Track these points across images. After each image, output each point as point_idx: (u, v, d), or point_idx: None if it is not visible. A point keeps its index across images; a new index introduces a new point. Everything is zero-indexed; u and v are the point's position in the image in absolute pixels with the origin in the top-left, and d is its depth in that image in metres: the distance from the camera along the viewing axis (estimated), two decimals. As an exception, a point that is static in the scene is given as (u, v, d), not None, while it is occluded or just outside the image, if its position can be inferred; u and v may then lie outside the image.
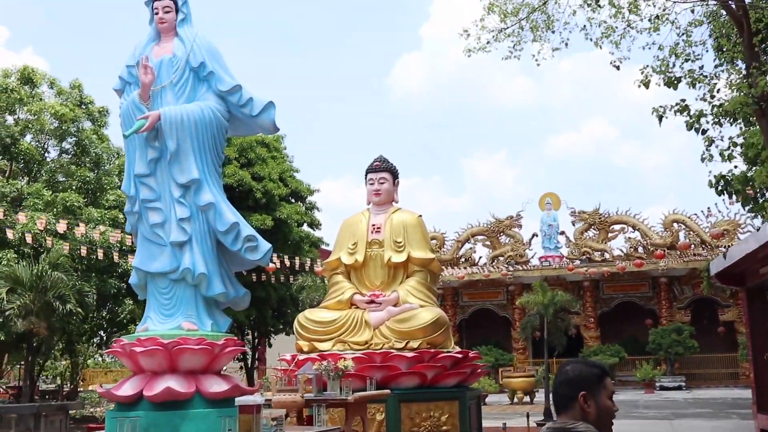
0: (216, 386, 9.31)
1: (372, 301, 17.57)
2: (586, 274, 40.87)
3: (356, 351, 16.53)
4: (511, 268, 43.22)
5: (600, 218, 43.77)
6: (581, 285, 42.86)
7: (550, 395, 3.33)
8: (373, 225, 18.27)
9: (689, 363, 39.73)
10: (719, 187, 13.53)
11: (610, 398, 2.90)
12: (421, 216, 18.63)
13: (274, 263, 29.80)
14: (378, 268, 18.01)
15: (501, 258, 45.17)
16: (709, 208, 36.92)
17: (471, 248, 46.81)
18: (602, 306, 43.43)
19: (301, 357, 16.23)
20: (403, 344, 16.58)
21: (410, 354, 16.27)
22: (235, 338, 9.95)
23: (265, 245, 10.28)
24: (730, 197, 13.99)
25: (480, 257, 46.36)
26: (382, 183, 18.48)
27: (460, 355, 16.87)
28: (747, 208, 22.15)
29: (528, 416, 15.34)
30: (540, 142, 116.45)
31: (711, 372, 40.25)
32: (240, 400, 9.19)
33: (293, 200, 34.11)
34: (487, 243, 46.39)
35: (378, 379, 15.92)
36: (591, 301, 42.78)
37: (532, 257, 45.06)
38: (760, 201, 18.66)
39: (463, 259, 46.24)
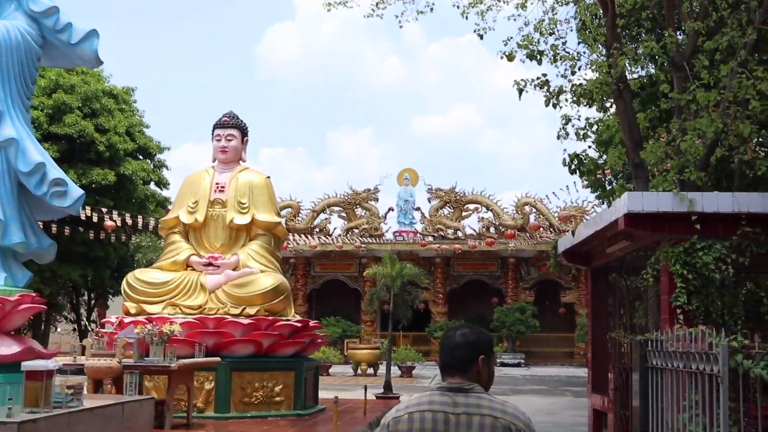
0: (4, 348, 8.05)
1: (210, 264, 16.45)
2: (438, 250, 41.10)
3: (188, 315, 15.40)
4: (365, 241, 42.89)
5: (456, 197, 44.11)
6: (433, 261, 43.12)
7: (444, 360, 3.03)
8: (217, 184, 17.10)
9: (530, 341, 40.85)
10: (572, 166, 13.37)
11: (494, 364, 2.97)
12: (269, 177, 17.61)
13: (114, 221, 27.95)
14: (219, 229, 16.88)
15: (356, 230, 44.78)
16: (562, 188, 37.67)
17: (326, 219, 46.16)
18: (452, 283, 43.92)
19: (127, 320, 14.95)
20: (239, 310, 15.59)
21: (246, 321, 15.31)
22: (34, 294, 8.64)
23: (77, 191, 8.99)
24: (582, 177, 13.85)
25: (335, 228, 45.83)
26: (230, 140, 17.31)
27: (299, 324, 16.07)
28: (595, 195, 22.46)
29: (366, 388, 14.77)
30: (406, 123, 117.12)
31: (549, 351, 41.58)
32: (28, 365, 7.97)
33: (141, 156, 32.12)
34: (343, 214, 45.87)
35: (210, 346, 14.88)
36: (441, 278, 43.15)
37: (387, 231, 44.96)
38: (608, 188, 18.83)
39: (317, 229, 45.52)
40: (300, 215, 45.74)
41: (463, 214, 44.26)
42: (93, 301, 35.72)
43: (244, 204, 16.86)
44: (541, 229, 40.88)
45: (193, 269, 16.41)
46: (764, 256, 8.48)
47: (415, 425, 2.75)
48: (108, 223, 28.32)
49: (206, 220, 16.80)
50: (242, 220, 16.77)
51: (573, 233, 11.07)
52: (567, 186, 43.66)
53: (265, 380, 15.21)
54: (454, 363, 2.86)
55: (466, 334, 2.91)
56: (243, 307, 15.57)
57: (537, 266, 42.55)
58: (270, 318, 15.58)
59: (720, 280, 8.10)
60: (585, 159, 13.73)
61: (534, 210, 42.57)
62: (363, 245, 42.11)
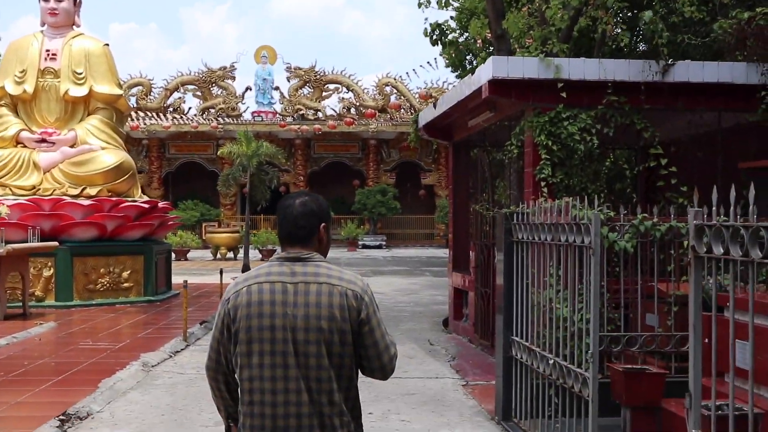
0: None
1: (43, 140, 14.98)
2: (298, 131, 40.07)
3: (20, 197, 14.05)
4: (222, 121, 41.19)
5: (316, 76, 42.78)
6: (293, 143, 42.11)
7: (287, 231, 2.83)
8: (48, 51, 15.40)
9: (391, 223, 41.09)
10: (434, 36, 12.70)
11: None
12: (107, 45, 16.03)
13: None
14: (53, 101, 15.33)
15: (212, 110, 42.86)
16: (423, 65, 36.96)
17: (180, 98, 43.82)
18: (313, 165, 43.18)
19: (-51, 202, 13.43)
20: (78, 191, 14.36)
21: (87, 202, 14.13)
22: None
23: None
24: (443, 48, 13.25)
25: (190, 108, 43.68)
26: (60, 1, 15.52)
27: (146, 206, 15.03)
28: (455, 74, 22.05)
29: (222, 272, 14.07)
30: (265, 2, 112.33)
31: (410, 232, 42.05)
32: None
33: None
34: (198, 94, 43.69)
35: (47, 230, 13.67)
36: (302, 160, 42.30)
37: (245, 111, 43.28)
38: (468, 67, 18.37)
39: (171, 109, 43.28)
40: (152, 94, 43.23)
41: (324, 94, 43.11)
42: None
43: (80, 74, 15.34)
44: (402, 109, 40.54)
45: (25, 146, 14.92)
46: (627, 128, 8.24)
47: (253, 297, 2.67)
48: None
49: (37, 92, 15.22)
50: (78, 91, 15.28)
51: (434, 105, 10.50)
52: (428, 62, 43.04)
53: (111, 265, 14.24)
54: (298, 233, 2.78)
55: (307, 202, 2.83)
56: (83, 187, 14.37)
57: (398, 148, 42.35)
58: (114, 199, 14.48)
59: (584, 152, 7.81)
60: (447, 29, 13.10)
61: (395, 91, 42.02)
62: (220, 126, 40.43)
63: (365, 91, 42.32)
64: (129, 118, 40.63)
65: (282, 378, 2.62)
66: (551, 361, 5.35)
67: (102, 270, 14.06)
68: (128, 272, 14.37)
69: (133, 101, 42.30)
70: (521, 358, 6.04)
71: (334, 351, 2.63)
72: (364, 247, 37.62)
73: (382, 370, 2.73)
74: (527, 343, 5.91)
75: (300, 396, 2.61)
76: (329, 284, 2.67)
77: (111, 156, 14.69)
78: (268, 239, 31.11)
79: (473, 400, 7.22)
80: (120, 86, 15.96)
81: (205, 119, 41.49)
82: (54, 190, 14.22)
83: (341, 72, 42.94)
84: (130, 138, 42.00)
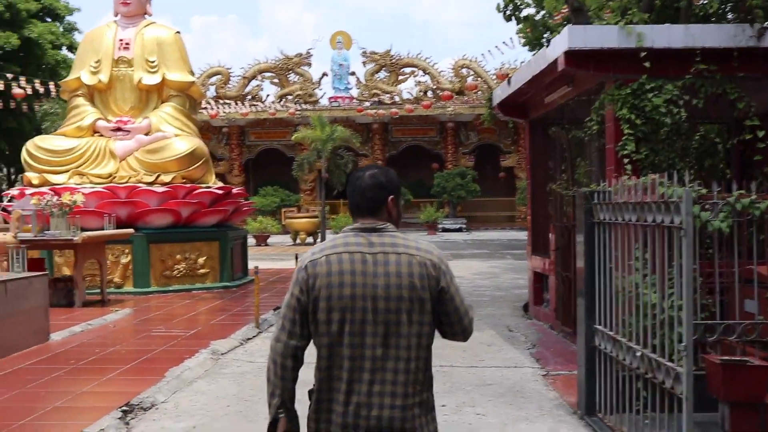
0: None
1: (119, 129, 15.08)
2: (375, 116, 39.81)
3: (96, 185, 14.18)
4: (299, 108, 41.29)
5: (391, 60, 42.43)
6: (370, 127, 41.90)
7: (356, 202, 2.88)
8: (121, 40, 15.48)
9: (470, 206, 40.48)
10: (507, 12, 12.17)
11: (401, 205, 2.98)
12: (179, 32, 16.01)
13: (23, 88, 25.91)
14: (127, 91, 15.41)
15: (289, 97, 43.02)
16: (499, 46, 36.01)
17: (258, 85, 44.15)
18: (390, 149, 42.88)
19: (29, 191, 13.66)
20: (153, 178, 14.39)
21: (161, 189, 14.15)
22: None
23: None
24: (518, 23, 12.68)
25: (267, 95, 43.96)
26: (132, -10, 15.56)
27: (221, 192, 14.99)
28: (532, 54, 21.31)
29: (297, 257, 13.88)
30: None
31: (490, 215, 41.35)
32: None
33: (47, 18, 29.62)
34: (276, 81, 43.90)
35: (123, 218, 13.76)
36: (380, 144, 42.05)
37: (322, 97, 43.28)
38: (545, 45, 17.65)
39: (249, 97, 43.63)
40: (230, 82, 43.66)
41: (400, 78, 42.73)
42: (13, 176, 33.92)
43: (152, 62, 15.37)
44: (479, 91, 39.78)
45: (101, 135, 15.06)
46: (718, 99, 7.60)
47: (333, 267, 2.71)
48: (16, 90, 26.29)
49: (111, 81, 15.32)
50: (152, 80, 15.32)
51: (509, 81, 9.99)
52: (504, 42, 42.06)
53: (187, 252, 14.25)
54: (366, 204, 2.85)
55: (376, 175, 2.89)
56: (157, 174, 14.39)
57: (476, 130, 41.65)
58: (188, 186, 14.47)
59: (671, 126, 7.22)
60: (521, 4, 12.52)
61: (471, 72, 41.30)
62: (297, 112, 40.52)
63: (441, 74, 41.74)
64: (209, 106, 41.32)
65: (359, 345, 2.68)
66: (638, 353, 4.88)
67: (178, 256, 14.08)
68: (204, 258, 14.35)
69: (212, 90, 42.90)
70: (605, 348, 5.57)
71: (414, 319, 2.69)
72: (444, 230, 37.17)
73: (464, 332, 2.85)
74: (612, 333, 5.44)
75: (384, 362, 2.67)
76: (408, 254, 2.73)
77: (184, 143, 14.67)
78: (347, 223, 30.90)
79: (554, 392, 6.77)
80: (192, 73, 15.93)
81: (282, 106, 41.63)
82: (129, 178, 14.29)
83: (417, 55, 42.46)
84: (210, 126, 42.68)
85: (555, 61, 7.66)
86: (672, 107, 7.17)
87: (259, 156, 43.48)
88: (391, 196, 2.86)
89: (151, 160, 14.44)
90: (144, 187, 14.05)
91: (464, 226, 38.04)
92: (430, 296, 2.72)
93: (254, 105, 42.05)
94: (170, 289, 13.86)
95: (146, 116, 15.21)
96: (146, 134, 14.93)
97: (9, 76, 25.88)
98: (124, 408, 6.02)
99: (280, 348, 2.78)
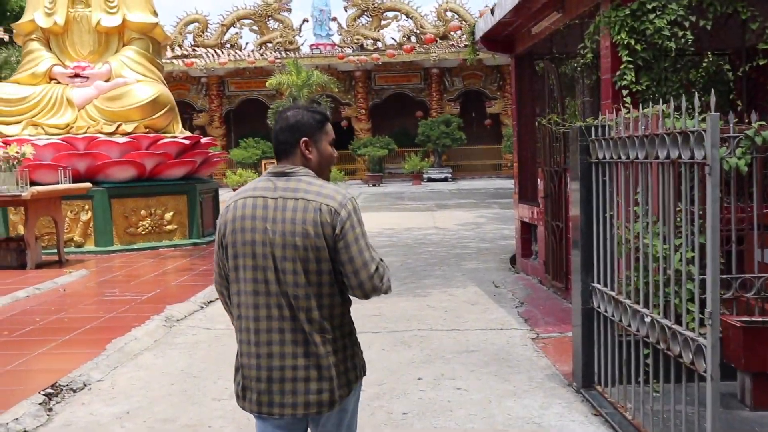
0: None
1: (77, 75, 14.01)
2: (357, 62, 38.59)
3: (53, 136, 13.19)
4: (279, 55, 39.97)
5: (373, 4, 41.00)
6: (353, 75, 40.70)
7: (274, 146, 2.78)
8: (78, -22, 14.33)
9: (456, 155, 39.60)
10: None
11: (331, 145, 2.83)
12: (141, -30, 14.87)
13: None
14: (85, 33, 14.32)
15: (269, 44, 41.65)
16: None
17: (237, 33, 42.69)
18: (374, 97, 41.74)
19: (-22, 145, 12.65)
20: (113, 128, 13.42)
21: (123, 139, 13.18)
22: None
23: None
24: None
25: (247, 44, 42.57)
26: None
27: (187, 142, 14.03)
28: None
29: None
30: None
31: (476, 164, 40.49)
32: None
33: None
34: (255, 28, 42.47)
35: (82, 171, 12.82)
36: (363, 92, 40.90)
37: (303, 44, 41.92)
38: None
39: (228, 45, 42.22)
40: (208, 30, 42.20)
41: (383, 23, 41.39)
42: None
43: (112, 2, 14.26)
44: (464, 34, 38.51)
45: (58, 82, 14.02)
46: (728, 21, 6.71)
47: (237, 212, 2.68)
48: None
49: (68, 23, 14.22)
50: (111, 21, 14.23)
51: (492, 11, 9.02)
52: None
53: (152, 207, 13.35)
54: (279, 147, 2.78)
55: (289, 116, 2.78)
56: (118, 124, 13.41)
57: (461, 76, 40.60)
58: (152, 136, 13.50)
59: (676, 51, 6.34)
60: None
61: (456, 16, 40.00)
62: (278, 60, 39.21)
63: (425, 17, 40.42)
64: (185, 56, 39.98)
65: (264, 293, 2.63)
66: (647, 319, 4.06)
67: (143, 212, 13.18)
68: (171, 214, 13.46)
69: (189, 39, 41.52)
70: (605, 311, 4.76)
71: (310, 268, 2.61)
72: (429, 180, 36.30)
73: (361, 287, 2.64)
74: (613, 293, 4.63)
75: (281, 311, 2.62)
76: (305, 199, 2.63)
77: (147, 89, 13.65)
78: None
79: (545, 358, 5.98)
80: (156, 14, 14.82)
81: (262, 54, 40.33)
82: (88, 128, 13.31)
83: (400, -1, 41.07)
84: (188, 77, 41.42)
85: (544, -19, 6.72)
86: (677, 30, 6.26)
87: (240, 107, 42.34)
88: (304, 138, 2.72)
89: (111, 109, 13.44)
90: (104, 137, 13.08)
91: (450, 175, 37.18)
92: (326, 244, 2.60)
93: (233, 53, 40.75)
94: (134, 247, 12.99)
95: (106, 61, 14.16)
96: (107, 80, 13.90)
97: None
98: (49, 390, 5.18)
99: (217, 288, 2.83)
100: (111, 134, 13.22)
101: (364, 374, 2.84)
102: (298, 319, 2.60)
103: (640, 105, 5.83)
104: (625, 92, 6.32)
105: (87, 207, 12.80)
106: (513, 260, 11.51)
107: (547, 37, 8.63)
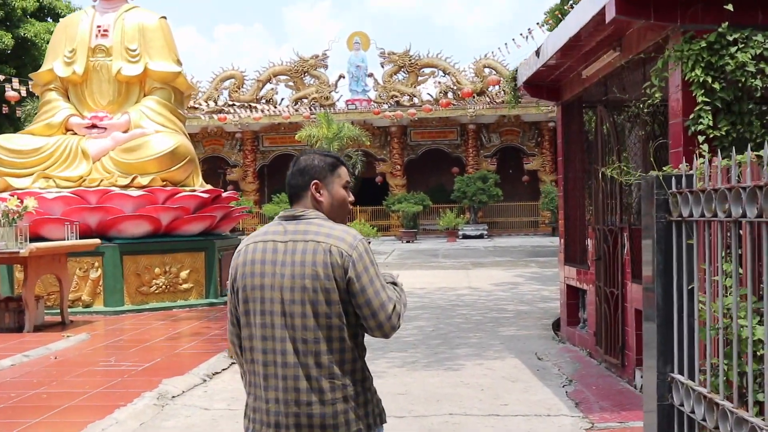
0: None
1: (94, 126, 13.33)
2: (392, 118, 37.99)
3: (63, 189, 12.46)
4: (315, 112, 39.54)
5: (410, 60, 40.62)
6: (388, 131, 40.13)
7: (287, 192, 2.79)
8: (99, 26, 13.76)
9: (492, 211, 38.59)
10: None
11: (344, 188, 2.82)
12: (165, 18, 14.29)
13: (17, 90, 24.42)
14: (104, 83, 13.69)
15: (305, 100, 41.35)
16: (523, 33, 33.54)
17: (273, 89, 42.53)
18: (410, 153, 41.06)
19: (-14, 197, 11.95)
20: (128, 180, 12.65)
21: (137, 193, 12.38)
22: None
23: None
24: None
25: (282, 99, 42.32)
26: (111, -31, 13.87)
27: (207, 195, 13.21)
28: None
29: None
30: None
31: (513, 221, 39.42)
32: None
33: (48, 18, 28.17)
34: (291, 84, 42.27)
35: (94, 226, 12.04)
36: (398, 148, 40.23)
37: (339, 100, 41.55)
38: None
39: (264, 101, 42.02)
40: (245, 86, 42.09)
41: (419, 79, 40.91)
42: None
43: (134, 51, 13.65)
44: (503, 91, 37.79)
45: (74, 133, 13.36)
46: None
47: (248, 256, 2.68)
48: (9, 93, 24.83)
49: (87, 73, 13.62)
50: (132, 70, 13.60)
51: (537, 52, 8.09)
52: (529, 30, 40.18)
53: (168, 264, 12.48)
54: (291, 191, 2.80)
55: (301, 160, 2.81)
56: (133, 176, 12.63)
57: (498, 132, 39.83)
58: (169, 189, 12.70)
59: (762, 90, 5.34)
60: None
61: (494, 72, 39.35)
62: (312, 115, 38.79)
63: (462, 74, 39.85)
64: (220, 111, 39.79)
65: (270, 338, 2.60)
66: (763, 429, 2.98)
67: (157, 270, 12.31)
68: (187, 272, 12.57)
69: (225, 94, 41.43)
70: (690, 410, 3.68)
71: (320, 311, 2.58)
72: (465, 237, 35.22)
73: (380, 329, 2.60)
74: (704, 390, 3.55)
75: (286, 357, 2.58)
76: (315, 241, 2.62)
77: (165, 139, 12.92)
78: (363, 231, 29.14)
79: (606, 461, 4.88)
80: (179, 63, 14.18)
81: (296, 110, 39.96)
82: (101, 181, 12.56)
83: (437, 55, 40.61)
84: (223, 132, 41.20)
85: (601, 11, 5.77)
86: (763, 65, 5.26)
87: (274, 162, 41.90)
88: (315, 181, 2.73)
89: (126, 160, 12.70)
90: (117, 190, 12.32)
91: (485, 232, 36.09)
92: (337, 286, 2.57)
93: (268, 109, 40.46)
94: (146, 307, 12.09)
95: (125, 111, 13.49)
96: (125, 131, 13.21)
97: (0, 77, 24.39)
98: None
99: (230, 337, 2.79)
100: (125, 187, 12.46)
101: (384, 422, 2.70)
102: (306, 365, 2.56)
103: (719, 152, 4.80)
104: (701, 138, 5.29)
105: (97, 264, 11.97)
106: (556, 326, 10.40)
107: (599, 80, 7.66)
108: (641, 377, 6.70)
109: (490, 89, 38.45)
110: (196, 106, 39.86)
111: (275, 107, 41.24)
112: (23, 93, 24.82)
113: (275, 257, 2.60)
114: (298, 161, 2.77)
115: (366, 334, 2.68)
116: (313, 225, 2.63)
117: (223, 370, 7.75)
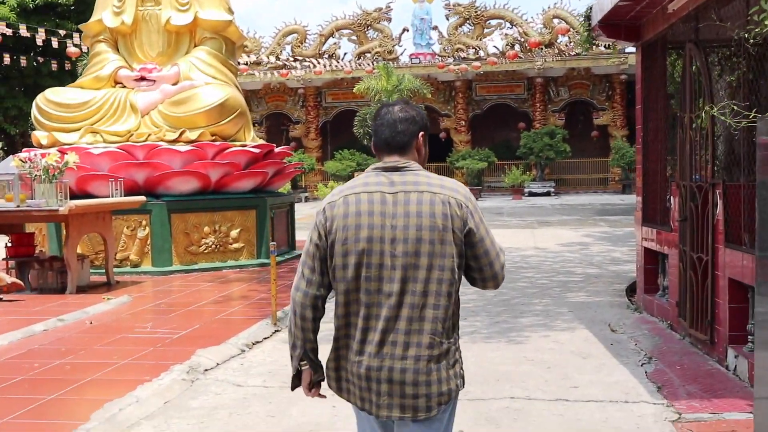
0: None
1: (142, 78, 12.78)
2: (457, 72, 36.82)
3: (110, 144, 11.99)
4: (377, 66, 38.60)
5: (476, 11, 39.22)
6: (453, 85, 38.96)
7: (385, 137, 2.59)
8: (147, -26, 13.17)
9: (560, 168, 37.28)
10: None
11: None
12: (214, -36, 13.59)
13: (78, 46, 24.21)
14: (154, 33, 13.10)
15: (368, 54, 40.43)
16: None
17: (335, 43, 41.71)
18: (474, 108, 39.84)
19: (32, 153, 11.54)
20: (176, 135, 12.10)
21: (186, 148, 11.84)
22: None
23: None
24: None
25: (345, 53, 41.50)
26: None
27: (258, 150, 12.59)
28: None
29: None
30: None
31: (581, 177, 38.02)
32: None
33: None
34: (354, 38, 41.38)
35: (141, 182, 11.58)
36: (463, 103, 39.07)
37: (402, 54, 40.51)
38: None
39: (327, 56, 41.27)
40: (307, 41, 41.37)
41: (485, 31, 39.53)
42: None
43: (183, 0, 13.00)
44: (571, 42, 36.20)
45: (123, 86, 12.86)
46: None
47: (350, 208, 2.55)
48: (71, 49, 24.68)
49: (137, 23, 13.06)
50: (182, 19, 12.99)
51: (616, -13, 7.10)
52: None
53: (217, 223, 11.96)
54: (397, 138, 2.65)
55: (407, 109, 2.69)
56: (182, 130, 12.08)
57: (567, 86, 38.30)
58: (218, 144, 12.12)
59: None
60: None
61: (563, 23, 37.70)
62: (375, 70, 37.85)
63: (530, 25, 38.33)
64: (283, 67, 39.21)
65: (375, 291, 2.53)
66: None
67: (206, 229, 11.81)
68: (237, 230, 12.04)
69: (288, 49, 40.82)
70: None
71: (434, 263, 2.52)
72: (531, 194, 34.11)
73: (494, 279, 2.62)
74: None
75: (390, 311, 2.51)
76: (431, 192, 2.55)
77: (215, 92, 12.30)
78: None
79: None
80: (231, 11, 13.51)
81: (360, 65, 39.12)
82: (149, 135, 12.05)
83: (504, 6, 39.13)
84: (286, 87, 40.66)
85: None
86: None
87: (337, 118, 41.27)
88: (422, 132, 2.67)
89: (175, 114, 12.15)
90: (165, 145, 11.80)
91: (552, 189, 34.88)
92: (454, 238, 2.54)
93: (330, 64, 39.73)
94: (195, 267, 11.62)
95: (175, 63, 12.92)
96: (174, 84, 12.66)
97: (62, 33, 24.20)
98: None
99: (300, 297, 2.61)
100: (173, 142, 11.93)
101: (463, 387, 2.64)
102: (410, 318, 2.50)
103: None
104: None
105: (144, 223, 11.53)
106: (630, 292, 9.54)
107: (688, 14, 6.67)
108: (735, 357, 5.84)
109: (558, 40, 36.94)
110: (259, 61, 39.43)
111: (338, 62, 40.47)
112: (84, 49, 24.63)
113: (384, 208, 2.52)
114: (404, 109, 2.65)
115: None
116: (422, 176, 2.57)
117: (265, 339, 7.16)
